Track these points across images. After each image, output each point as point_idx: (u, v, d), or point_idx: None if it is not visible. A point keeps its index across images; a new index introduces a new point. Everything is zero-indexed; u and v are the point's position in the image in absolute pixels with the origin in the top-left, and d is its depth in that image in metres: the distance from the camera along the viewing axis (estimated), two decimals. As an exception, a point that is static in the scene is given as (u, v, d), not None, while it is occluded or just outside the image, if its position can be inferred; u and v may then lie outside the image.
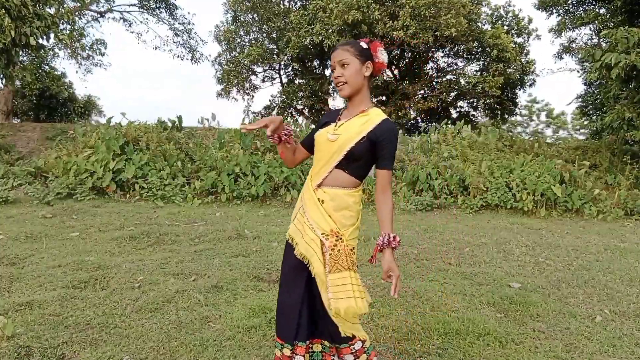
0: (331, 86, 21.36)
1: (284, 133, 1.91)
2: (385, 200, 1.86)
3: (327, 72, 21.12)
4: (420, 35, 16.00)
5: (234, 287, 3.52)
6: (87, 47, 20.62)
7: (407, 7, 15.47)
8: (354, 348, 1.95)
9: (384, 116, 1.89)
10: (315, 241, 1.85)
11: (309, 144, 2.02)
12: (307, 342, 1.93)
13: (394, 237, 1.84)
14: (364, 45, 1.88)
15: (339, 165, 1.86)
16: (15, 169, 8.65)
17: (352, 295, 1.78)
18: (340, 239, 1.84)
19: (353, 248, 1.88)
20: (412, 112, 20.74)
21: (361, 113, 1.89)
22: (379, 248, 1.85)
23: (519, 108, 23.75)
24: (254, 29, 20.52)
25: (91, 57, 21.22)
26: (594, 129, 15.57)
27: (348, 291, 1.78)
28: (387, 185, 1.86)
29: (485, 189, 7.98)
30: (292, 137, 1.97)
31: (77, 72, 48.59)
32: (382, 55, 1.90)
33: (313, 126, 11.23)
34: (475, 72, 19.92)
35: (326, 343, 1.98)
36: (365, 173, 1.93)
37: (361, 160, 1.87)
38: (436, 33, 16.43)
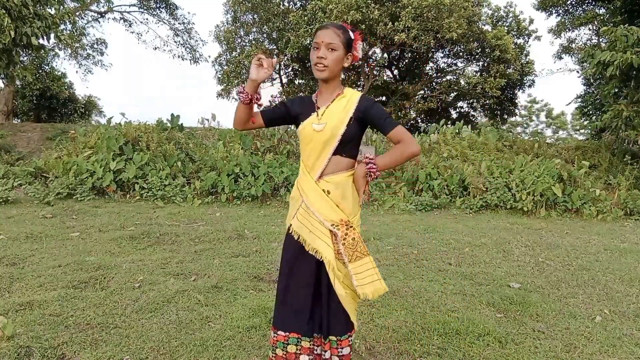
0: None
1: (256, 97, 1.89)
2: (400, 145, 1.82)
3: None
4: (422, 37, 16.01)
5: (234, 287, 3.52)
6: (87, 47, 20.64)
7: (410, 7, 15.46)
8: (351, 339, 1.97)
9: (359, 93, 1.93)
10: (325, 233, 1.85)
11: (269, 118, 1.98)
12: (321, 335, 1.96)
13: (373, 161, 1.82)
14: (351, 35, 1.88)
15: (336, 152, 1.88)
16: (16, 169, 8.65)
17: (377, 278, 1.85)
18: (352, 227, 1.87)
19: (359, 234, 1.92)
20: (412, 112, 20.75)
21: (338, 96, 1.91)
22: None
23: (518, 108, 23.77)
24: (254, 30, 20.53)
25: (91, 57, 21.25)
26: (593, 128, 15.60)
27: (372, 275, 1.85)
28: (404, 136, 1.82)
29: (485, 189, 7.98)
30: (260, 101, 1.92)
31: (77, 72, 48.67)
32: (360, 50, 1.93)
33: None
34: (475, 73, 19.93)
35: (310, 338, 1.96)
36: (357, 151, 1.97)
37: (354, 141, 1.92)
38: (437, 35, 16.44)
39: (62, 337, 2.61)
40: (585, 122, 20.27)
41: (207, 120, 11.40)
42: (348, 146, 1.90)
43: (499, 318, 3.12)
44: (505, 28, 19.48)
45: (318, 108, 1.92)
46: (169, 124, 9.59)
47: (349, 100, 1.89)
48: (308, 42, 17.05)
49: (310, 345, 1.93)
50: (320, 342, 1.99)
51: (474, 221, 6.75)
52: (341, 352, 1.94)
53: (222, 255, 4.45)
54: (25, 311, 2.96)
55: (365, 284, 1.83)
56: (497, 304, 3.34)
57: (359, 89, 20.24)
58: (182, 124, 9.76)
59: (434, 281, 3.85)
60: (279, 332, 1.95)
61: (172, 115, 9.70)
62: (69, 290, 3.34)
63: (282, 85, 21.91)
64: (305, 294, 1.91)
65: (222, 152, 8.93)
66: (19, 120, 20.30)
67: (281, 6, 19.70)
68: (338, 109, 1.88)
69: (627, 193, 8.02)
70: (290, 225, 1.95)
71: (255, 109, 1.95)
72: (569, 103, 38.20)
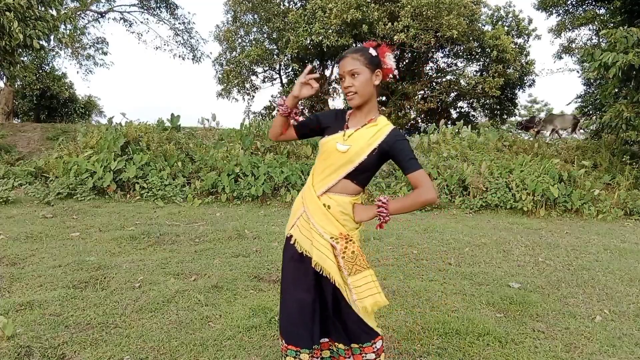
0: (331, 86, 21.40)
1: (295, 111, 1.91)
2: (416, 191, 1.77)
3: (327, 72, 21.12)
4: (422, 37, 15.99)
5: (234, 287, 3.52)
6: (88, 47, 20.65)
7: (409, 6, 15.44)
8: (376, 346, 1.94)
9: (391, 125, 1.88)
10: (326, 246, 1.84)
11: (301, 130, 2.00)
12: (319, 345, 1.94)
13: (385, 206, 1.80)
14: (372, 53, 1.84)
15: (348, 176, 1.86)
16: (16, 169, 8.66)
17: (377, 291, 1.82)
18: (351, 240, 1.85)
19: (360, 247, 1.90)
20: (412, 112, 20.75)
21: (370, 122, 1.87)
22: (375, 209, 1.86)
23: (518, 108, 23.78)
24: (254, 30, 20.52)
25: (92, 57, 21.25)
26: (594, 128, 15.62)
27: (372, 288, 1.82)
28: (423, 181, 1.76)
29: (485, 189, 7.98)
30: (299, 116, 1.94)
31: (77, 72, 48.73)
32: (390, 61, 1.87)
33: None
34: (475, 73, 19.93)
35: (340, 346, 1.96)
36: (369, 181, 1.95)
37: (370, 172, 1.90)
38: (437, 34, 16.43)
39: (62, 336, 2.61)
40: (586, 123, 20.27)
41: (207, 120, 11.40)
42: (362, 175, 1.88)
43: (499, 318, 3.12)
44: (505, 28, 19.48)
45: (347, 128, 1.90)
46: (169, 124, 9.60)
47: (379, 130, 1.85)
48: (308, 41, 17.03)
49: (309, 356, 1.90)
50: (327, 346, 1.97)
51: (474, 221, 6.75)
52: (365, 357, 1.92)
53: (222, 255, 4.46)
54: (26, 311, 2.96)
55: (364, 297, 1.81)
56: (497, 304, 3.34)
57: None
58: (179, 124, 9.77)
59: (434, 281, 3.85)
60: (283, 342, 1.94)
61: (172, 115, 9.70)
62: (69, 290, 3.34)
63: (282, 85, 21.91)
64: (303, 304, 1.89)
65: (222, 152, 8.93)
66: (19, 120, 20.31)
67: (281, 6, 19.69)
68: (366, 136, 1.84)
69: (627, 193, 8.01)
70: (291, 235, 1.94)
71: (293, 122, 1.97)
72: (569, 103, 38.25)
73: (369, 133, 1.85)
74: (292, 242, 1.93)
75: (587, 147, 11.23)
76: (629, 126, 9.25)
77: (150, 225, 5.63)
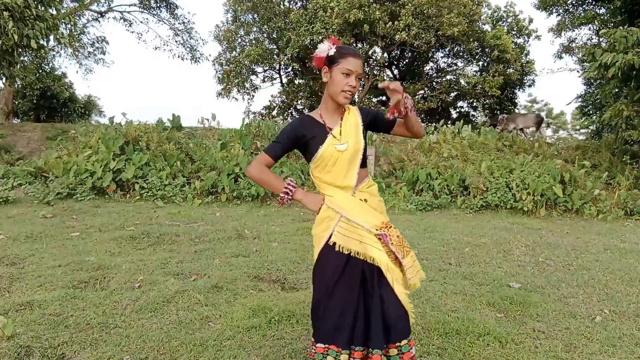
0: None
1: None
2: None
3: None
4: (423, 35, 15.99)
5: (234, 287, 3.52)
6: (87, 45, 20.63)
7: (409, 5, 15.45)
8: (412, 352, 1.93)
9: (354, 106, 2.05)
10: (375, 240, 1.91)
11: (278, 157, 1.98)
12: (364, 348, 1.92)
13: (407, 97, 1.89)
14: None
15: (360, 165, 1.97)
16: (16, 169, 8.66)
17: (419, 267, 2.00)
18: (392, 226, 1.95)
19: None
20: (412, 112, 20.72)
21: (344, 113, 2.00)
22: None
23: (518, 108, 23.79)
24: (254, 29, 20.50)
25: (92, 55, 21.23)
26: (594, 128, 15.62)
27: (416, 266, 1.99)
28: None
29: (485, 189, 7.98)
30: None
31: (77, 72, 48.71)
32: None
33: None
34: (475, 73, 19.93)
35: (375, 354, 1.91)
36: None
37: (366, 150, 2.02)
38: (438, 32, 16.43)
39: (62, 336, 2.61)
40: (586, 122, 20.27)
41: (207, 120, 11.41)
42: (364, 156, 1.99)
43: (499, 318, 3.12)
44: (505, 28, 19.48)
45: (330, 129, 1.95)
46: (169, 124, 9.60)
47: (354, 114, 2.00)
48: (309, 41, 17.02)
49: (349, 357, 1.91)
50: (360, 355, 1.92)
51: (474, 221, 6.75)
52: (412, 352, 1.92)
53: (222, 255, 4.45)
54: (25, 311, 2.96)
55: (414, 275, 1.96)
56: (497, 304, 3.34)
57: (359, 88, 20.29)
58: (180, 124, 9.78)
59: (434, 281, 3.85)
60: (318, 344, 1.92)
61: (172, 115, 9.71)
62: (69, 290, 3.34)
63: (282, 85, 21.91)
64: (347, 306, 1.91)
65: (222, 152, 8.93)
66: (19, 120, 20.31)
67: (282, 5, 19.68)
68: (351, 125, 1.97)
69: (627, 193, 8.01)
70: (334, 243, 1.91)
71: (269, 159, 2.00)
72: (569, 103, 38.22)
73: (350, 121, 1.98)
74: (336, 248, 1.91)
75: (587, 147, 11.24)
76: (628, 125, 9.25)
77: (150, 225, 5.62)
